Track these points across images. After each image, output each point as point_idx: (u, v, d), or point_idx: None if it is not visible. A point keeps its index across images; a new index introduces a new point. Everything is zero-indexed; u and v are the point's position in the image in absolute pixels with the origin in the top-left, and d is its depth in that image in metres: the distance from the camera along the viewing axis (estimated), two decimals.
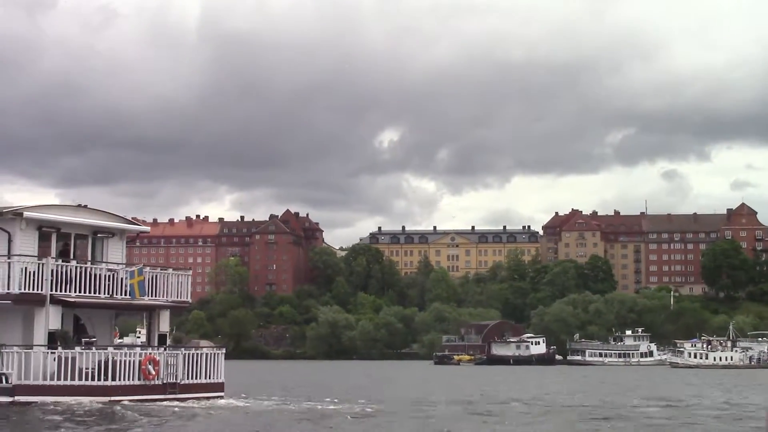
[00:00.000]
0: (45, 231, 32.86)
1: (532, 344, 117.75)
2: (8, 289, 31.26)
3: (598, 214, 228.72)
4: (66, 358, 30.29)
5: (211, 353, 33.45)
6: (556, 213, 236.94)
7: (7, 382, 30.24)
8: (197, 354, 32.91)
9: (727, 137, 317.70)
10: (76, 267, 32.21)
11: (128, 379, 30.64)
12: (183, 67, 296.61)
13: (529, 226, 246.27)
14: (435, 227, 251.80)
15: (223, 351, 34.02)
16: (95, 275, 32.57)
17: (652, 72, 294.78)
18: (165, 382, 31.44)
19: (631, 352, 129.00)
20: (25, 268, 31.20)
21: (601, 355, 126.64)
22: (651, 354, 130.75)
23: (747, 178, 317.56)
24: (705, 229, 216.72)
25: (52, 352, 30.51)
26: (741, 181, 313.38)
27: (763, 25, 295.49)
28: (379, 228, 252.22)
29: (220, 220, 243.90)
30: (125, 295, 33.23)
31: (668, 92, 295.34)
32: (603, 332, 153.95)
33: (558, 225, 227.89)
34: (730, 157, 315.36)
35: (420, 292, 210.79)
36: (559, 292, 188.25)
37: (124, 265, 34.21)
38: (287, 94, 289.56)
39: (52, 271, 31.47)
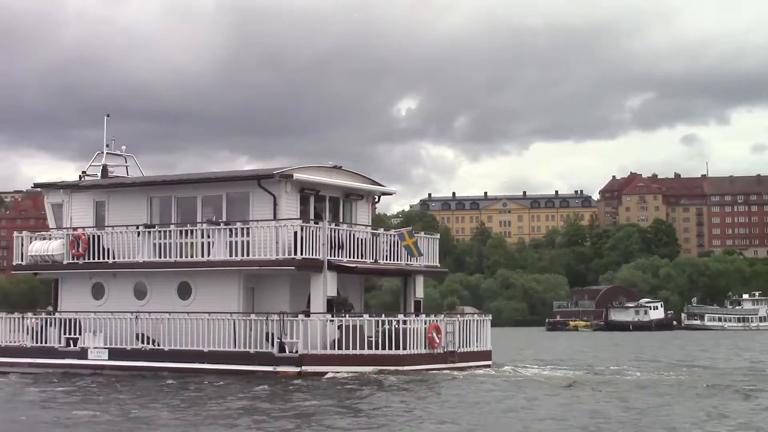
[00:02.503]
0: (305, 193, 31.44)
1: (650, 309, 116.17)
2: (277, 254, 29.91)
3: (658, 176, 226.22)
4: (352, 327, 28.85)
5: (480, 320, 32.03)
6: (614, 177, 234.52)
7: (293, 351, 28.88)
8: (469, 321, 31.49)
9: (748, 101, 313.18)
10: (347, 231, 30.79)
11: (415, 348, 29.19)
12: (201, 38, 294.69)
13: (581, 191, 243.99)
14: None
15: (489, 318, 32.57)
16: (360, 239, 31.14)
17: (671, 35, 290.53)
18: (446, 350, 30.01)
19: (750, 316, 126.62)
20: (295, 232, 29.80)
21: (720, 319, 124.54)
22: None
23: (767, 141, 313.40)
24: None
25: (339, 320, 29.10)
26: (761, 144, 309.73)
27: None
28: (429, 195, 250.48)
29: None
30: (385, 259, 31.81)
31: (688, 56, 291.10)
32: (674, 296, 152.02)
33: (616, 189, 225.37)
34: (751, 120, 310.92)
35: (478, 259, 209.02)
36: (622, 256, 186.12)
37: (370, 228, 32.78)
38: (305, 63, 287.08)
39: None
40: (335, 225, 30.62)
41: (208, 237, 30.92)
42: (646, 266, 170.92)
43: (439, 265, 34.25)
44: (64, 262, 33.07)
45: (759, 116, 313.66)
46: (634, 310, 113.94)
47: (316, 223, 30.13)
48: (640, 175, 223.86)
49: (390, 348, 28.70)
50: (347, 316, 29.16)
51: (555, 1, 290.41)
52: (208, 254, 30.81)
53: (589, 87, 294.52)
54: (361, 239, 31.14)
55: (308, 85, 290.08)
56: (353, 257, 30.68)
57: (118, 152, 36.70)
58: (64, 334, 32.53)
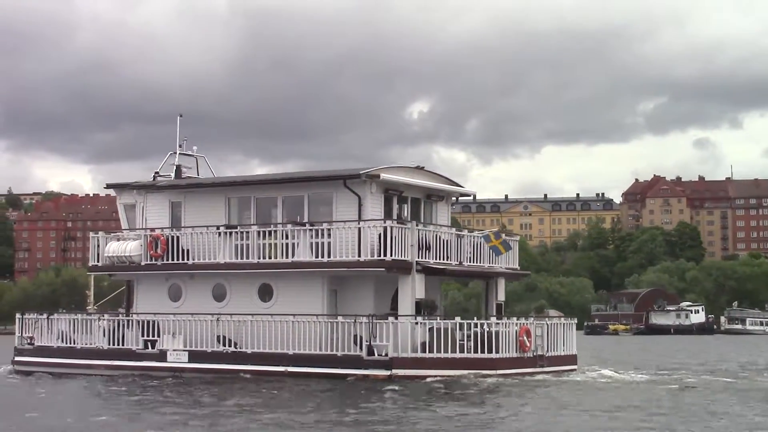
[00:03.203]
0: (389, 194, 31.00)
1: (692, 312, 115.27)
2: (361, 255, 29.47)
3: (682, 179, 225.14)
4: (442, 330, 28.36)
5: (567, 324, 31.53)
6: (636, 180, 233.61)
7: (383, 354, 28.40)
8: (556, 325, 30.99)
9: (760, 104, 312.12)
10: (433, 232, 30.33)
11: (507, 352, 28.69)
12: (213, 41, 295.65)
13: (603, 194, 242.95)
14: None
15: (575, 321, 32.07)
16: (444, 240, 30.68)
17: (684, 39, 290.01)
18: (535, 354, 29.50)
19: None
20: (381, 233, 29.35)
21: (762, 323, 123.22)
22: None
23: None
24: None
25: (431, 323, 28.63)
26: None
27: None
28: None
29: None
30: (469, 261, 31.33)
31: (701, 59, 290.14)
32: (701, 300, 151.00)
33: (639, 192, 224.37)
34: (763, 124, 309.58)
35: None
36: (647, 260, 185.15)
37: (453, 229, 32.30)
38: (317, 66, 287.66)
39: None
40: (423, 226, 30.14)
41: (291, 238, 30.46)
42: (672, 270, 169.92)
43: (518, 267, 33.76)
44: (142, 263, 32.66)
45: None
46: (675, 314, 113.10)
47: (402, 223, 29.67)
48: (664, 177, 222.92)
49: (483, 351, 28.20)
50: (439, 318, 28.67)
51: (568, 4, 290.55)
52: (292, 255, 30.35)
53: (601, 91, 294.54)
54: (446, 240, 30.67)
55: (321, 88, 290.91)
56: (439, 259, 30.21)
57: (190, 152, 36.25)
58: (142, 336, 32.11)
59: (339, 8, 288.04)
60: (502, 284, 32.88)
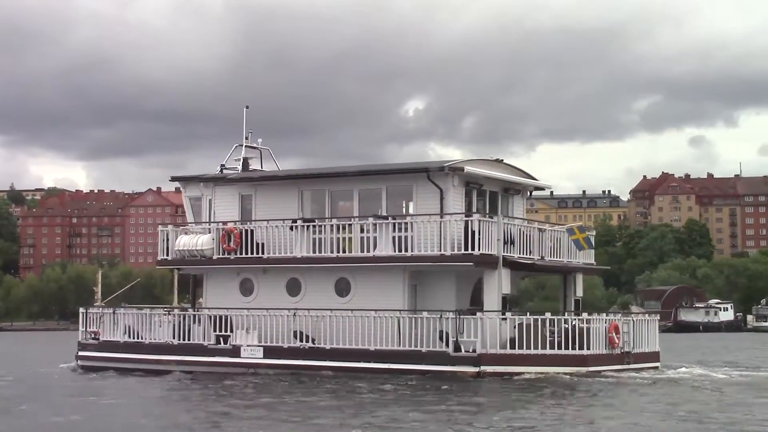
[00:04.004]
0: (469, 187, 30.45)
1: (721, 310, 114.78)
2: (441, 250, 28.92)
3: (691, 177, 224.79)
4: (529, 325, 27.79)
5: (651, 320, 31.00)
6: (644, 176, 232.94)
7: (470, 350, 27.85)
8: (641, 321, 30.46)
9: (756, 103, 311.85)
10: (518, 226, 29.79)
11: (597, 348, 28.13)
12: (211, 38, 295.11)
13: (609, 191, 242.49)
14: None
15: (657, 318, 31.54)
16: (527, 234, 30.13)
17: (680, 38, 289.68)
18: (623, 351, 28.94)
19: None
20: (467, 227, 28.79)
21: None
22: None
23: None
24: None
25: (520, 318, 28.09)
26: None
27: None
28: None
29: None
30: (550, 255, 30.79)
31: (697, 58, 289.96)
32: (713, 297, 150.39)
33: (647, 189, 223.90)
34: (758, 122, 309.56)
35: None
36: (657, 257, 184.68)
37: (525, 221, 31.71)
38: (314, 63, 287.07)
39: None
40: (508, 220, 29.61)
41: (369, 232, 29.89)
42: (683, 267, 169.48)
43: (595, 262, 33.22)
44: (214, 257, 32.03)
45: (766, 118, 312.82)
46: (705, 311, 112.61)
47: (491, 217, 29.13)
48: (672, 174, 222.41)
49: (573, 348, 27.65)
50: (528, 314, 28.13)
51: (564, 2, 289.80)
52: (372, 250, 29.77)
53: (597, 89, 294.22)
54: (529, 235, 30.11)
55: (317, 85, 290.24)
56: (522, 253, 29.66)
57: (255, 145, 35.63)
58: (214, 331, 31.50)
59: (336, 5, 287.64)
60: (580, 279, 32.35)
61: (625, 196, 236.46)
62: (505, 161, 32.21)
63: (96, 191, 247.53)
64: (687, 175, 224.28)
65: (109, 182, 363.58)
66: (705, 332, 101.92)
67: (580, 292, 32.28)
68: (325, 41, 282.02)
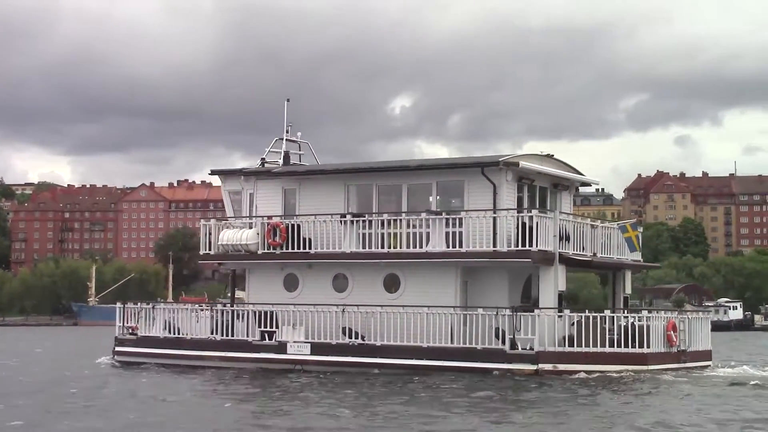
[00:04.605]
0: (521, 183, 30.02)
1: (730, 309, 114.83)
2: (494, 246, 28.49)
3: (686, 175, 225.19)
4: (592, 323, 27.38)
5: (704, 318, 30.65)
6: (639, 175, 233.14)
7: (528, 348, 27.43)
8: (696, 320, 30.09)
9: (742, 103, 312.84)
10: (572, 222, 29.41)
11: (657, 346, 27.73)
12: (199, 35, 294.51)
13: (603, 189, 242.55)
14: None
15: (710, 316, 31.14)
16: (580, 231, 29.74)
17: (667, 37, 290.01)
18: (679, 349, 28.57)
19: None
20: (523, 223, 28.39)
21: None
22: None
23: (759, 143, 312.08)
24: None
25: (579, 316, 27.67)
26: (753, 146, 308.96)
27: None
28: None
29: None
30: (603, 253, 30.40)
31: (683, 57, 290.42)
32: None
33: (642, 187, 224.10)
34: (743, 122, 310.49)
35: None
36: (652, 255, 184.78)
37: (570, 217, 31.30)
38: (301, 61, 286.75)
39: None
40: (564, 216, 29.20)
41: (419, 227, 29.43)
42: (680, 265, 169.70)
43: (641, 259, 32.84)
44: (259, 252, 31.50)
45: (751, 118, 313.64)
46: (714, 310, 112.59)
47: (562, 214, 28.80)
48: (668, 173, 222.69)
49: (633, 346, 27.24)
50: (587, 311, 27.71)
51: (551, 1, 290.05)
52: (424, 245, 29.31)
53: (584, 87, 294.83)
54: (581, 231, 29.72)
55: (304, 82, 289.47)
56: (576, 250, 29.26)
57: (294, 138, 35.10)
58: (258, 327, 30.98)
59: (323, 3, 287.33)
60: (628, 277, 31.97)
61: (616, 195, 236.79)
62: (554, 156, 31.72)
63: (88, 186, 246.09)
64: (682, 174, 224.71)
65: (95, 177, 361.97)
66: (715, 331, 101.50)
67: (628, 290, 31.91)
68: (313, 39, 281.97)
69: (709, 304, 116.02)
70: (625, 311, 28.57)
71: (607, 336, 27.34)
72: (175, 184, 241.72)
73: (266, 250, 31.40)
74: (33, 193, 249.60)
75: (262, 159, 34.07)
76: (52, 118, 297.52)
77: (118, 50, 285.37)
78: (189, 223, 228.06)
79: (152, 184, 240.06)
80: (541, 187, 31.14)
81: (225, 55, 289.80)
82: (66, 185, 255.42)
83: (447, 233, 29.08)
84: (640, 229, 30.69)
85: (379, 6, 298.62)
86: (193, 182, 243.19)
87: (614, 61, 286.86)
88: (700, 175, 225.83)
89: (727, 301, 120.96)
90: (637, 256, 31.97)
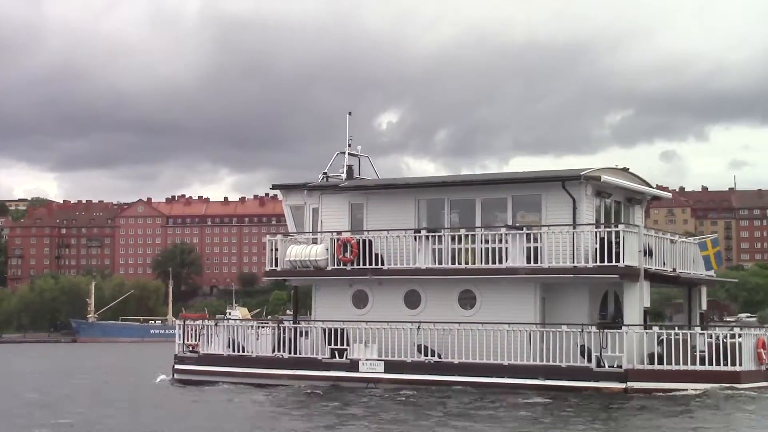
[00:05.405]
0: (599, 197, 29.49)
1: None
2: (574, 261, 27.92)
3: (686, 189, 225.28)
4: (681, 340, 26.78)
5: None
6: None
7: (615, 366, 26.81)
8: None
9: (727, 118, 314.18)
10: (654, 237, 28.87)
11: (748, 364, 27.10)
12: (184, 49, 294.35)
13: None
14: None
15: None
16: (661, 246, 29.22)
17: (651, 53, 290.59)
18: (767, 367, 27.97)
19: None
20: (602, 237, 27.84)
21: None
22: None
23: (744, 158, 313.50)
24: None
25: (668, 333, 27.08)
26: (738, 161, 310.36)
27: (764, 5, 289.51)
28: None
29: None
30: (681, 268, 29.85)
31: (668, 73, 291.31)
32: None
33: None
34: (728, 137, 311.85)
35: None
36: None
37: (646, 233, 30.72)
38: (287, 76, 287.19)
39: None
40: (647, 231, 28.67)
41: (497, 242, 28.85)
42: None
43: (714, 274, 32.30)
44: (328, 268, 30.83)
45: (736, 133, 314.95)
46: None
47: (650, 230, 28.34)
48: (667, 187, 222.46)
49: (723, 364, 26.62)
50: (677, 328, 27.14)
51: (537, 17, 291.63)
52: (499, 261, 28.72)
53: (570, 103, 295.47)
54: (663, 246, 29.18)
55: (291, 98, 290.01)
56: (657, 265, 28.71)
57: (355, 152, 34.49)
58: (328, 344, 30.29)
59: (310, 18, 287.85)
60: (704, 292, 31.44)
61: None
62: (629, 170, 31.22)
63: (84, 201, 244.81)
64: (681, 188, 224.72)
65: (81, 193, 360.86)
66: None
67: (704, 306, 31.37)
68: (299, 54, 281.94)
69: (730, 319, 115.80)
70: (716, 328, 27.93)
71: (698, 353, 26.73)
72: (173, 199, 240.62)
73: (336, 266, 30.73)
74: (29, 208, 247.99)
75: (324, 173, 33.46)
76: (36, 133, 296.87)
77: (102, 64, 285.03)
78: (186, 238, 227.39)
79: (149, 199, 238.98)
80: (616, 201, 30.61)
81: (211, 68, 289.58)
82: (53, 200, 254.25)
83: (526, 248, 28.49)
84: (719, 247, 30.16)
85: (365, 22, 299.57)
86: (190, 197, 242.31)
87: (598, 77, 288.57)
88: (700, 190, 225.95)
89: (747, 316, 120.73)
90: (711, 270, 31.45)
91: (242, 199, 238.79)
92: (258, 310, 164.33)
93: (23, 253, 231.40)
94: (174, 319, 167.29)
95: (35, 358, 66.53)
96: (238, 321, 33.20)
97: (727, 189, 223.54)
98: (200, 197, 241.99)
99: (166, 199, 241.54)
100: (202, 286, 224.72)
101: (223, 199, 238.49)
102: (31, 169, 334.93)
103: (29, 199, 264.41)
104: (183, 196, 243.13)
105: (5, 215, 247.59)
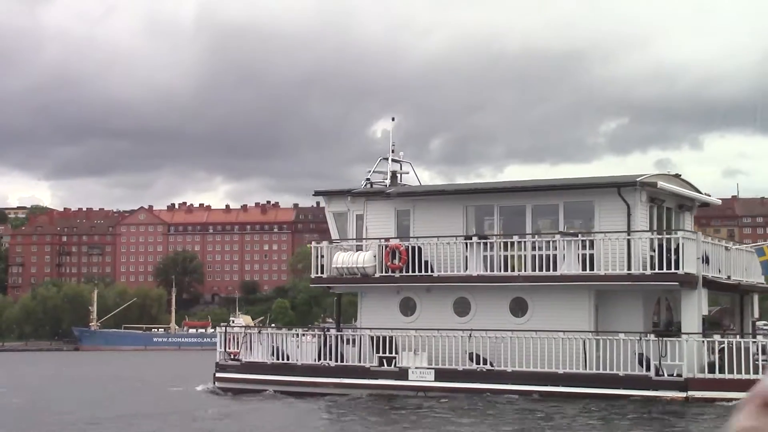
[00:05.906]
0: (653, 203, 29.12)
1: None
2: (628, 268, 27.56)
3: None
4: (743, 348, 26.42)
5: None
6: None
7: (675, 374, 26.44)
8: None
9: (721, 126, 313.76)
10: (710, 244, 28.53)
11: None
12: (180, 57, 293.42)
13: None
14: None
15: None
16: (717, 253, 28.87)
17: (646, 61, 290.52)
18: None
19: None
20: (660, 244, 27.49)
21: None
22: None
23: (739, 166, 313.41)
24: None
25: (729, 341, 26.73)
26: (733, 169, 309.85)
27: (758, 14, 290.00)
28: None
29: (295, 206, 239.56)
30: (735, 275, 29.50)
31: (663, 81, 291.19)
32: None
33: None
34: (723, 145, 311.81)
35: None
36: None
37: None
38: (282, 83, 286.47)
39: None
40: (704, 238, 28.34)
41: (549, 249, 28.47)
42: None
43: (764, 282, 31.95)
44: (375, 275, 30.44)
45: (731, 141, 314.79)
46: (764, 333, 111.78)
47: (707, 237, 28.04)
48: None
49: None
50: (738, 336, 26.79)
51: (532, 25, 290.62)
52: (552, 268, 28.35)
53: (564, 111, 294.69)
54: (718, 253, 28.85)
55: (286, 106, 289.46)
56: (713, 273, 28.35)
57: (397, 158, 34.12)
58: (376, 352, 29.88)
59: (305, 25, 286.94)
60: (756, 300, 31.09)
61: None
62: (681, 176, 30.90)
63: (84, 209, 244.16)
64: None
65: (76, 201, 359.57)
66: None
67: (756, 314, 31.03)
68: (294, 61, 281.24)
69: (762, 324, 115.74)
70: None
71: (760, 362, 26.36)
72: (174, 207, 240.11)
73: (384, 273, 30.34)
74: (30, 216, 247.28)
75: (368, 179, 33.08)
76: (32, 141, 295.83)
77: (98, 72, 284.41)
78: (188, 246, 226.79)
79: (151, 207, 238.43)
80: (668, 208, 30.27)
81: (206, 76, 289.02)
82: (50, 208, 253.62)
83: (580, 255, 28.14)
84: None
85: (360, 29, 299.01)
86: (191, 205, 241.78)
87: (593, 85, 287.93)
88: None
89: (765, 324, 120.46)
90: (760, 278, 31.14)
91: (244, 207, 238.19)
92: (261, 318, 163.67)
93: (24, 261, 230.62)
94: (177, 327, 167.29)
95: (49, 367, 65.98)
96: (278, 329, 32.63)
97: (730, 197, 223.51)
98: (201, 205, 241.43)
99: (168, 206, 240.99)
100: (204, 294, 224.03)
101: (224, 207, 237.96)
102: (26, 178, 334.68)
103: (29, 207, 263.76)
104: (184, 203, 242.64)
105: (5, 223, 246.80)
